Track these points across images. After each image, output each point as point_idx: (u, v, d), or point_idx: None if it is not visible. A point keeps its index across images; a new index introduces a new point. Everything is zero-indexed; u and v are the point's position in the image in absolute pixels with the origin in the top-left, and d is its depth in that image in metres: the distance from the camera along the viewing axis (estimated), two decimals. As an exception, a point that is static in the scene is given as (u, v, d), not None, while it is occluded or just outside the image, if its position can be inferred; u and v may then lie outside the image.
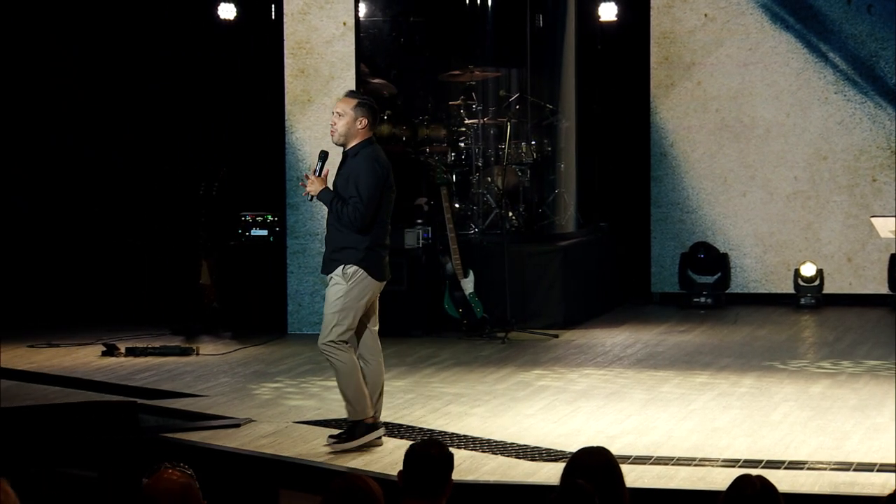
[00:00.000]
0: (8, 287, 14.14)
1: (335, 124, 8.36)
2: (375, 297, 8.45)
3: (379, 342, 8.54)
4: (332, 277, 8.35)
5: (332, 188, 8.37)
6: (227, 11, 14.04)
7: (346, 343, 8.30)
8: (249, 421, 9.15)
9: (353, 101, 8.40)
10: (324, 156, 8.52)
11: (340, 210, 8.28)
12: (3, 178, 14.41)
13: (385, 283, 8.49)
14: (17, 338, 12.39)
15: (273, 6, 13.42)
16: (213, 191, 13.07)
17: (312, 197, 8.40)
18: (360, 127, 8.35)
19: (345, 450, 8.21)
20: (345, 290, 8.27)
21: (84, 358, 11.65)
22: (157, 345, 11.95)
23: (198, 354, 11.79)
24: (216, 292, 13.06)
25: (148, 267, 14.14)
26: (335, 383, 9.80)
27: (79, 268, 14.36)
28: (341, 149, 8.44)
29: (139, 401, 9.92)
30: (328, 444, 8.29)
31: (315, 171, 8.43)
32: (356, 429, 8.33)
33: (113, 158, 14.54)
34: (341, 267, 8.29)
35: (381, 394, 8.52)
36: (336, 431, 8.48)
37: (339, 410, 9.39)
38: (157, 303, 13.55)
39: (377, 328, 8.55)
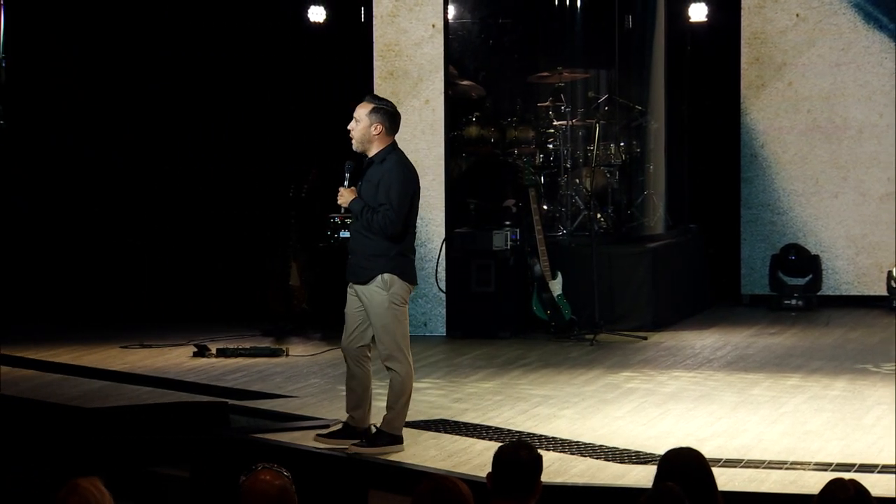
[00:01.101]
0: (104, 288, 14.33)
1: (352, 130, 8.28)
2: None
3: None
4: (369, 288, 8.27)
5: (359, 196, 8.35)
6: (316, 14, 14.12)
7: (405, 351, 8.31)
8: (339, 422, 9.18)
9: (369, 107, 8.29)
10: (350, 167, 8.44)
11: (371, 219, 8.24)
12: (104, 179, 14.60)
13: (414, 287, 8.47)
14: (111, 338, 12.54)
15: (363, 9, 13.48)
16: (303, 193, 13.15)
17: (344, 209, 8.45)
18: (374, 133, 8.25)
19: (363, 455, 8.22)
20: (388, 300, 8.25)
21: (176, 359, 11.76)
22: (247, 346, 12.04)
23: (287, 355, 11.86)
24: (306, 294, 13.13)
25: (239, 268, 14.25)
26: (424, 384, 9.84)
27: (172, 269, 14.51)
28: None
29: (230, 401, 9.99)
30: (350, 448, 8.29)
31: (344, 182, 8.36)
32: (381, 437, 8.33)
33: (207, 161, 14.68)
34: (379, 276, 8.25)
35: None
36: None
37: (427, 412, 9.42)
38: (248, 304, 13.65)
39: None
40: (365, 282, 8.30)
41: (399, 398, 8.32)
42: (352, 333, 8.43)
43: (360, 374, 8.43)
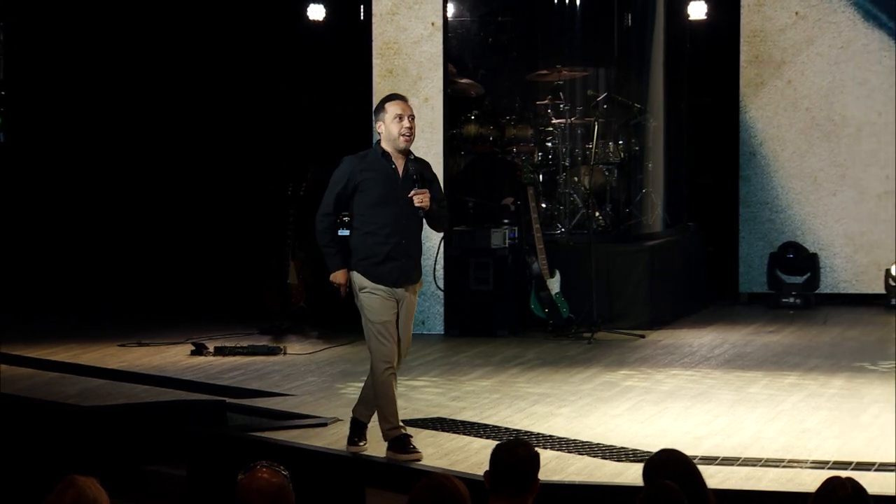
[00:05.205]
0: (102, 286, 14.33)
1: (413, 128, 8.19)
2: None
3: None
4: (416, 287, 8.20)
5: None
6: (316, 12, 14.12)
7: None
8: (336, 420, 9.19)
9: None
10: (414, 168, 8.29)
11: (444, 216, 8.24)
12: (103, 176, 14.62)
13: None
14: (108, 337, 12.54)
15: (362, 7, 13.48)
16: (302, 191, 13.14)
17: (423, 212, 8.16)
18: None
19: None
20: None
21: (173, 357, 11.76)
22: (245, 344, 12.04)
23: (285, 354, 11.86)
24: (304, 292, 13.13)
25: (236, 266, 14.25)
26: (421, 383, 9.86)
27: (170, 267, 14.52)
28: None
29: (227, 399, 9.99)
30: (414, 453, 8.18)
31: (416, 184, 8.12)
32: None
33: (206, 159, 14.68)
34: (421, 279, 8.28)
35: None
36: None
37: (425, 410, 9.43)
38: (246, 302, 13.65)
39: None
40: (417, 280, 8.24)
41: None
42: (398, 343, 8.20)
43: (393, 383, 8.25)
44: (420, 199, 8.08)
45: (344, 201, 8.21)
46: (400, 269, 8.13)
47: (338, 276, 8.17)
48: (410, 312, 8.22)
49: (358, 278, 8.15)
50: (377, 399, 8.14)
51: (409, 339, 8.26)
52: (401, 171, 8.12)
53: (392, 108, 8.12)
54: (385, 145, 8.16)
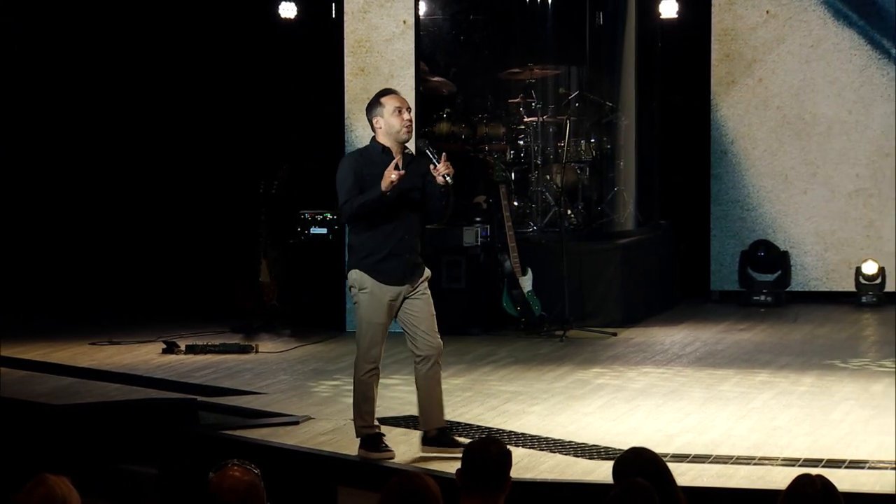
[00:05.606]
0: (70, 285, 14.28)
1: (412, 122, 8.16)
2: None
3: None
4: (424, 284, 8.14)
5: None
6: (287, 10, 14.09)
7: None
8: (308, 418, 9.19)
9: None
10: (426, 144, 8.29)
11: (451, 202, 8.18)
12: (69, 174, 14.55)
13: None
14: (79, 335, 12.49)
15: (333, 5, 13.45)
16: (273, 189, 13.12)
17: (443, 189, 8.01)
18: None
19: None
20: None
21: (144, 355, 11.73)
22: (216, 342, 12.01)
23: (257, 352, 11.84)
24: (276, 290, 13.11)
25: (208, 265, 14.22)
26: (394, 381, 9.84)
27: (140, 265, 14.48)
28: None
29: (199, 398, 9.98)
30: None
31: (434, 160, 8.02)
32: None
33: (174, 156, 14.64)
34: (426, 271, 8.21)
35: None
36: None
37: (397, 408, 9.42)
38: (218, 301, 13.62)
39: None
40: (421, 275, 8.14)
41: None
42: (408, 342, 8.17)
43: (374, 384, 8.17)
44: (446, 166, 7.97)
45: (358, 190, 8.00)
46: (403, 265, 8.06)
47: (386, 179, 7.85)
48: (426, 307, 8.08)
49: (359, 276, 8.07)
50: (354, 395, 8.14)
51: (434, 329, 8.09)
52: (401, 167, 8.00)
53: (390, 102, 8.07)
54: (384, 140, 8.08)
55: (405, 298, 8.09)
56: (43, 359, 11.43)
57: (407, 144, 8.23)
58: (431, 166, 8.03)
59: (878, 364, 11.18)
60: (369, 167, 8.03)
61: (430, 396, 8.13)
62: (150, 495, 8.83)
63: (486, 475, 5.22)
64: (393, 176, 7.84)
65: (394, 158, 8.00)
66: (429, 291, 8.16)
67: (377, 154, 8.08)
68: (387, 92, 8.21)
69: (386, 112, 8.06)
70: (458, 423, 9.02)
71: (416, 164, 8.13)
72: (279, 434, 8.77)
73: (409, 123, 8.07)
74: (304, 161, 13.97)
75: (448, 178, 7.97)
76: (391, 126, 8.05)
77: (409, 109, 8.13)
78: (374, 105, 8.14)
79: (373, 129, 8.15)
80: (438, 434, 8.13)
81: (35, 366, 11.22)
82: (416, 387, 8.18)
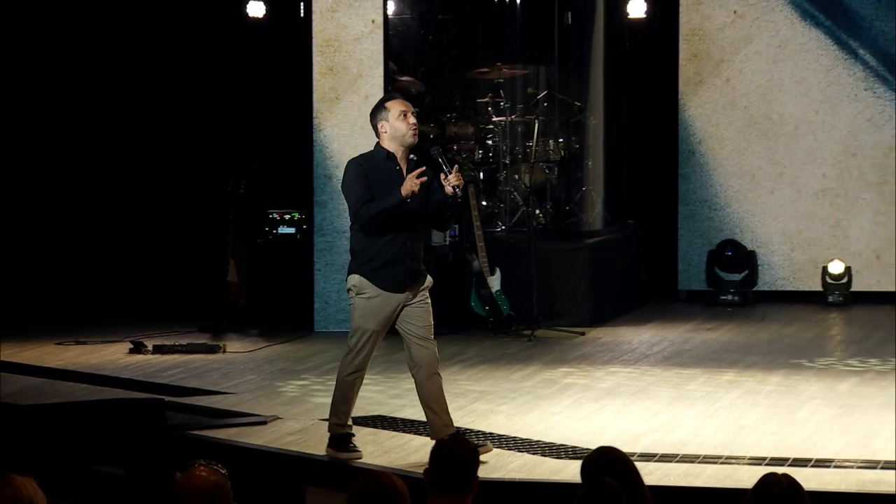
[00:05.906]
0: (36, 284, 14.21)
1: (417, 125, 8.10)
2: None
3: None
4: (425, 293, 8.09)
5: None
6: (256, 9, 14.06)
7: None
8: (276, 418, 9.17)
9: None
10: (437, 151, 8.25)
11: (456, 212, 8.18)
12: (35, 174, 14.49)
13: None
14: (46, 335, 12.44)
15: (302, 4, 13.44)
16: (241, 188, 13.10)
17: (451, 198, 7.95)
18: None
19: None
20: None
21: (111, 355, 11.69)
22: (184, 342, 11.98)
23: (224, 352, 11.81)
24: (244, 290, 13.08)
25: (175, 264, 14.18)
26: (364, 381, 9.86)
27: (107, 265, 14.42)
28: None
29: (166, 398, 9.95)
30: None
31: (445, 169, 7.98)
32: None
33: (140, 156, 14.60)
34: (428, 278, 8.17)
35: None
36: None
37: (365, 408, 9.41)
38: (185, 300, 13.58)
39: None
40: (423, 282, 8.08)
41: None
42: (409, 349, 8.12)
43: (357, 386, 8.18)
44: (457, 177, 7.92)
45: (370, 195, 7.92)
46: (404, 272, 8.00)
47: (407, 184, 7.79)
48: (425, 315, 8.03)
49: (360, 281, 7.99)
50: (334, 393, 8.13)
51: (429, 337, 8.04)
52: (405, 173, 7.95)
53: (395, 106, 8.03)
54: (389, 145, 8.03)
55: (405, 306, 8.03)
56: (9, 359, 11.38)
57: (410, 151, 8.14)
58: (442, 175, 7.97)
59: (844, 363, 11.23)
60: (374, 172, 7.99)
61: (431, 405, 8.06)
62: (117, 496, 8.80)
63: (454, 475, 5.22)
64: (415, 183, 7.77)
65: (397, 165, 7.97)
66: (430, 300, 8.11)
67: (381, 160, 8.04)
68: (391, 97, 8.23)
69: (391, 116, 8.02)
70: (426, 423, 9.01)
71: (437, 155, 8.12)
72: (247, 434, 8.75)
73: (414, 127, 8.03)
74: (272, 160, 13.95)
75: (458, 190, 7.94)
76: (397, 130, 8.00)
77: (413, 113, 8.09)
78: (378, 110, 8.09)
79: (377, 134, 8.08)
80: None
81: (1, 366, 11.17)
82: (418, 396, 8.14)
